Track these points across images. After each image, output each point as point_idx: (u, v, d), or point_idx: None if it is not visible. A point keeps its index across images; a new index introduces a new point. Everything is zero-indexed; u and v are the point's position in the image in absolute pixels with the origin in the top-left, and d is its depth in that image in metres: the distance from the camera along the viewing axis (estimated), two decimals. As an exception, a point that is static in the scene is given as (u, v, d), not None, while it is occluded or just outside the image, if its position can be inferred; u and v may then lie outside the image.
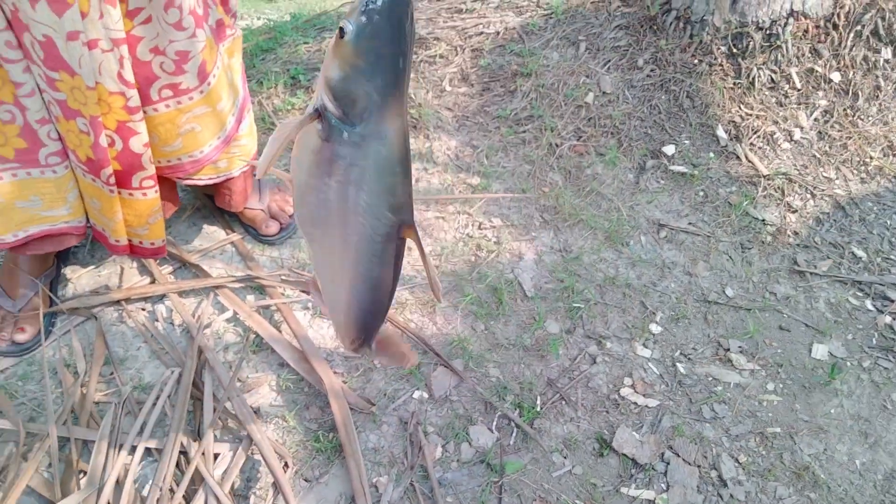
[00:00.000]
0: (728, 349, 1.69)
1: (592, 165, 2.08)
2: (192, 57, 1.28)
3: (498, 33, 2.36)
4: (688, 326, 1.74)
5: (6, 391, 1.48)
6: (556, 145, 2.11)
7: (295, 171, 0.80)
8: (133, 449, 1.37)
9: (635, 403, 1.56)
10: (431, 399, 1.53)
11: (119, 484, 1.31)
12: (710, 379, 1.63)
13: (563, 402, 1.55)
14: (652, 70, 2.23)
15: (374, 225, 0.77)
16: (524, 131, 2.16)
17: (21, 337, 1.54)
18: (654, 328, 1.72)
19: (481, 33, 2.36)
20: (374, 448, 1.44)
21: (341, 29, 0.65)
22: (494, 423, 1.50)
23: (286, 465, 1.37)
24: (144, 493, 1.33)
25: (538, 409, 1.52)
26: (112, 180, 1.33)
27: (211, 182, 1.57)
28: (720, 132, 2.15)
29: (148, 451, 1.38)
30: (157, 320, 1.65)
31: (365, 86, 0.67)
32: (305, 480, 1.39)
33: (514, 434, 1.48)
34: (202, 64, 1.31)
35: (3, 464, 1.35)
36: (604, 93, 2.20)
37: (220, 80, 1.39)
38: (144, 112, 1.30)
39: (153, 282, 1.72)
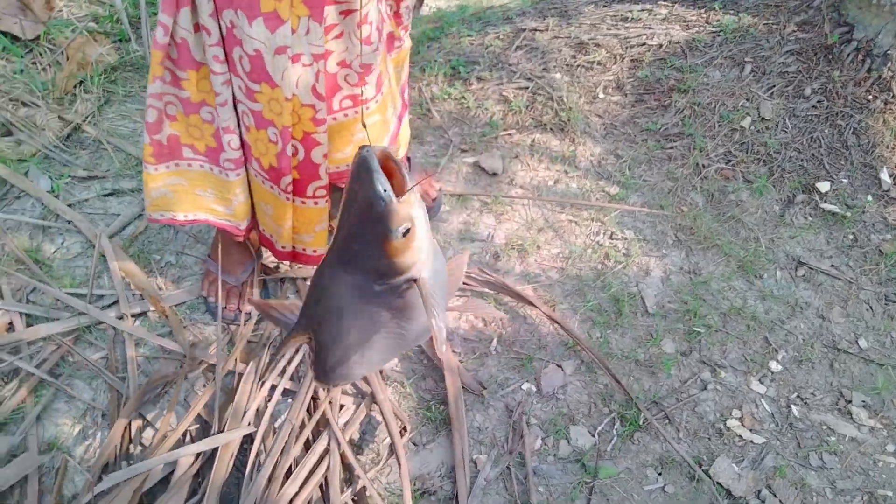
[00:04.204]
0: (850, 401, 1.64)
1: (738, 191, 2.05)
2: (374, 69, 1.37)
3: (661, 46, 2.35)
4: (810, 370, 1.70)
5: (178, 317, 1.74)
6: (703, 166, 2.09)
7: None
8: (273, 388, 1.57)
9: (740, 437, 1.57)
10: (539, 393, 1.62)
11: (259, 413, 1.52)
12: (825, 428, 1.60)
13: (667, 421, 1.58)
14: (819, 101, 2.14)
15: None
16: (672, 147, 2.15)
17: (249, 308, 1.72)
18: (774, 366, 1.70)
19: (644, 44, 2.36)
20: (478, 427, 1.56)
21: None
22: (596, 428, 1.56)
23: (404, 428, 1.52)
24: (276, 424, 1.52)
25: (640, 422, 1.56)
26: (289, 188, 1.44)
27: None
28: (884, 175, 2.03)
29: (285, 391, 1.58)
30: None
31: None
32: (413, 444, 1.53)
33: (612, 441, 1.54)
34: (379, 75, 1.40)
35: (170, 379, 1.59)
36: (762, 119, 2.15)
37: (390, 89, 1.49)
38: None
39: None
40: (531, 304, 1.73)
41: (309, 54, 1.25)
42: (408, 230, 0.86)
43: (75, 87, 2.32)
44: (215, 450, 1.41)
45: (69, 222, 1.91)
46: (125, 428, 1.47)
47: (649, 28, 2.41)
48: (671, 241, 1.96)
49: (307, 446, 1.47)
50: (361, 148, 0.83)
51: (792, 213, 2.00)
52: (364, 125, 1.16)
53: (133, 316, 1.72)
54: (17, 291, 1.74)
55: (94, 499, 1.29)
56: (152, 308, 1.73)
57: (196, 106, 1.36)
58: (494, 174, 2.13)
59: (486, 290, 1.79)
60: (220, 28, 1.22)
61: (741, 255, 1.91)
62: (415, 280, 0.93)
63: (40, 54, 2.42)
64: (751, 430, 1.58)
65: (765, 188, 2.04)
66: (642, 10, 2.48)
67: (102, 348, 1.65)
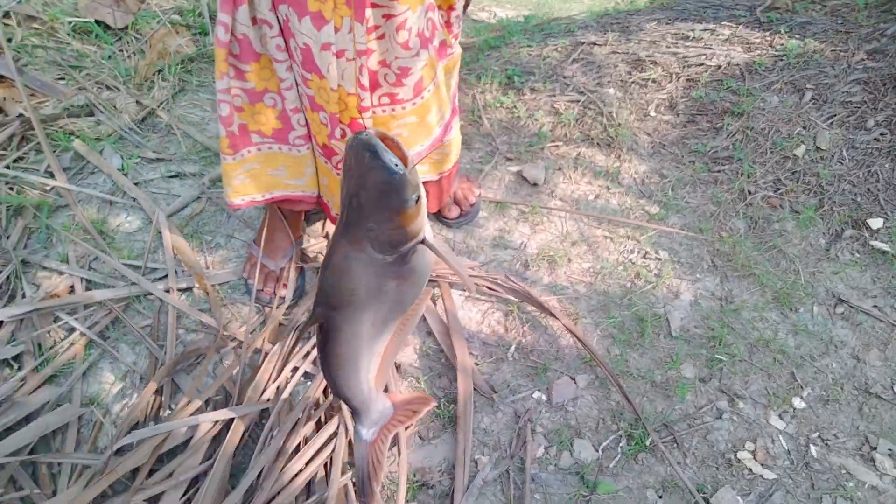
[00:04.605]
0: (875, 448, 1.57)
1: (782, 221, 1.99)
2: (412, 73, 1.44)
3: (719, 67, 2.31)
4: (837, 412, 1.65)
5: (218, 295, 1.85)
6: (749, 192, 2.05)
7: None
8: (295, 370, 1.66)
9: (750, 470, 1.54)
10: (549, 403, 1.64)
11: (278, 390, 1.61)
12: (844, 472, 1.54)
13: (675, 445, 1.57)
14: (882, 134, 2.05)
15: None
16: (719, 171, 2.12)
17: (284, 292, 1.84)
18: (798, 403, 1.65)
19: (702, 64, 2.33)
20: (484, 429, 1.59)
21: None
22: (601, 444, 1.57)
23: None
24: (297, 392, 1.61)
25: (646, 443, 1.56)
26: (340, 165, 1.54)
27: None
28: (945, 217, 1.93)
29: (306, 374, 1.67)
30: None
31: None
32: (420, 438, 1.58)
33: (616, 458, 1.54)
34: (419, 80, 1.47)
35: (203, 351, 1.71)
36: (818, 148, 2.08)
37: (433, 95, 1.55)
38: None
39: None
40: (552, 314, 1.75)
41: (352, 50, 1.33)
42: (418, 197, 0.91)
43: (154, 74, 2.50)
44: (233, 419, 1.51)
45: (134, 199, 2.07)
46: (156, 391, 1.59)
47: (709, 48, 2.37)
48: (706, 266, 1.93)
49: (318, 426, 1.55)
50: (357, 133, 0.89)
51: (838, 248, 1.93)
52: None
53: (179, 290, 1.85)
54: (81, 258, 1.90)
55: (117, 452, 1.41)
56: (197, 285, 1.85)
57: (259, 94, 1.47)
58: (535, 184, 2.15)
59: (511, 297, 1.82)
60: (278, 20, 1.32)
61: (778, 287, 1.86)
62: (422, 242, 0.98)
63: (127, 43, 2.62)
64: (762, 465, 1.55)
65: (812, 220, 1.98)
66: (704, 30, 2.45)
67: (148, 317, 1.79)
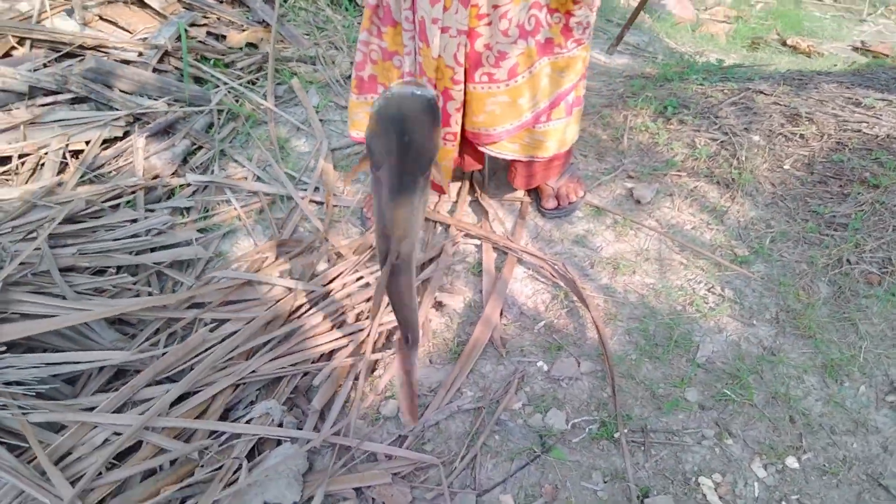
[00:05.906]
0: (850, 530, 1.49)
1: (871, 298, 1.88)
2: (508, 58, 1.72)
3: (876, 137, 2.19)
4: (833, 486, 1.57)
5: (339, 213, 2.31)
6: (849, 262, 1.95)
7: None
8: (360, 278, 2.04)
9: (704, 496, 1.56)
10: (547, 374, 1.81)
11: (345, 286, 2.00)
12: (804, 538, 1.49)
13: (641, 449, 1.64)
14: None
15: None
16: (828, 235, 2.04)
17: None
18: (791, 462, 1.61)
19: (859, 130, 2.22)
20: (482, 374, 1.82)
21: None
22: (573, 421, 1.70)
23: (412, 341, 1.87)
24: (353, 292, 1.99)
25: (614, 435, 1.65)
26: None
27: (501, 156, 2.02)
28: None
29: (367, 284, 2.04)
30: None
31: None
32: (430, 361, 1.86)
33: (581, 437, 1.67)
34: (514, 65, 1.74)
35: (302, 244, 2.17)
36: (949, 239, 1.90)
37: (527, 81, 1.79)
38: (465, 87, 1.80)
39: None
40: (585, 304, 1.91)
41: (455, 28, 1.66)
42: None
43: (372, 45, 3.07)
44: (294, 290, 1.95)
45: (314, 130, 2.63)
46: (260, 259, 2.09)
47: (876, 118, 2.25)
48: (768, 317, 1.90)
49: (357, 319, 1.91)
50: (383, 92, 1.11)
51: (923, 340, 1.77)
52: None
53: (312, 201, 2.36)
54: (261, 161, 2.50)
55: (201, 283, 1.93)
56: (325, 200, 2.34)
57: (390, 54, 1.85)
58: (639, 202, 2.27)
59: (560, 283, 2.01)
60: None
61: (833, 356, 1.78)
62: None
63: (364, 18, 3.24)
64: (720, 498, 1.55)
65: (906, 306, 1.83)
66: (881, 100, 2.31)
67: (284, 213, 2.31)
